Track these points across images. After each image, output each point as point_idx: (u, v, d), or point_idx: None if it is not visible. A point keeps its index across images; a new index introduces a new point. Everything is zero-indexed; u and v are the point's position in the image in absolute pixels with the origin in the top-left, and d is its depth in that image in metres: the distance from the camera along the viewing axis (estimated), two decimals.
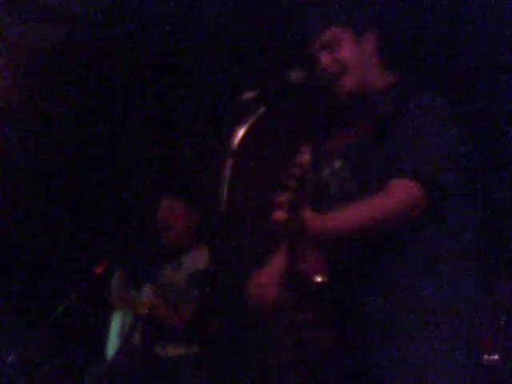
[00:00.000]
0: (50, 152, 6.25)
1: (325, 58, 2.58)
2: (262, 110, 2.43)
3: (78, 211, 6.28)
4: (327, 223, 2.35)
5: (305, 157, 2.23)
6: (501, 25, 3.41)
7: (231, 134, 2.38)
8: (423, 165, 2.34)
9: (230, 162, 2.36)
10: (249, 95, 2.46)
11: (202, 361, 4.11)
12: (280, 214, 2.27)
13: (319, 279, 2.37)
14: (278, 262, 2.55)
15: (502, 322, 3.74)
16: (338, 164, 2.55)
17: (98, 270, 4.43)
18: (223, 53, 4.98)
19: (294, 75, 2.47)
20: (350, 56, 2.57)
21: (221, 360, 4.11)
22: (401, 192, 2.33)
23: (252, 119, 2.41)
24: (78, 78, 5.77)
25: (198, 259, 4.27)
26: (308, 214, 2.28)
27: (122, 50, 5.48)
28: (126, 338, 4.42)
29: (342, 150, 2.56)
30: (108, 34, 5.35)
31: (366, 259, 2.42)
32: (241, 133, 2.38)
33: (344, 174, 2.52)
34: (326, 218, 2.36)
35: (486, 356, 3.60)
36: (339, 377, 2.44)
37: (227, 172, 2.36)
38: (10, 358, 4.61)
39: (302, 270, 2.37)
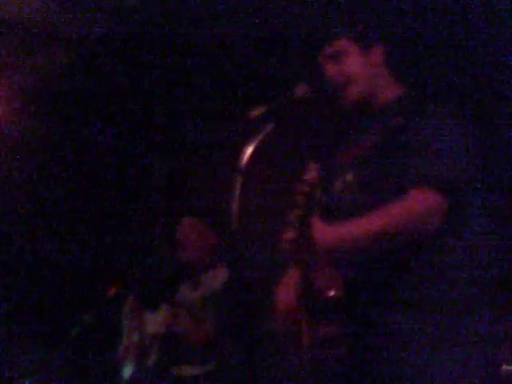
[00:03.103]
0: (65, 172, 6.27)
1: (331, 70, 2.60)
2: (270, 126, 2.44)
3: (92, 232, 6.29)
4: (341, 233, 2.34)
5: (313, 173, 2.23)
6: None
7: (240, 151, 2.38)
8: (441, 173, 2.33)
9: (239, 180, 2.36)
10: (256, 112, 2.47)
11: (217, 380, 4.09)
12: (290, 233, 2.27)
13: (333, 294, 2.36)
14: (293, 278, 2.54)
15: None
16: (349, 176, 2.55)
17: (112, 291, 4.43)
18: (231, 71, 4.99)
19: (300, 91, 2.47)
20: (356, 68, 2.58)
21: (237, 379, 4.09)
22: (420, 201, 2.32)
23: (260, 136, 2.41)
24: (85, 99, 5.79)
25: (215, 278, 4.26)
26: (319, 226, 2.28)
27: (129, 72, 5.50)
28: (141, 359, 4.40)
29: (354, 162, 2.56)
30: (114, 56, 5.37)
31: (382, 272, 2.40)
32: (249, 150, 2.38)
33: (356, 186, 2.51)
34: (339, 229, 2.35)
35: (504, 366, 3.57)
36: None
37: (237, 190, 2.36)
38: (26, 383, 4.62)
39: (315, 285, 2.36)
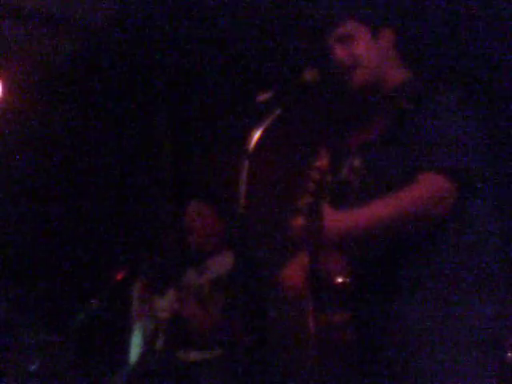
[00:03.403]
0: (72, 155, 6.28)
1: (339, 52, 2.58)
2: (278, 111, 2.42)
3: (99, 217, 6.30)
4: (351, 220, 2.33)
5: (322, 160, 2.21)
6: None
7: (247, 136, 2.37)
8: (449, 158, 2.32)
9: (246, 165, 2.35)
10: (264, 97, 2.45)
11: (225, 365, 4.09)
12: (299, 219, 2.26)
13: (341, 280, 2.35)
14: (299, 264, 2.54)
15: None
16: (357, 162, 2.53)
17: (119, 277, 4.43)
18: (238, 54, 4.97)
19: (309, 75, 2.46)
20: (365, 51, 2.56)
21: (245, 364, 4.09)
22: (428, 185, 2.30)
23: (267, 121, 2.40)
24: (87, 90, 5.79)
25: (222, 263, 4.26)
26: (329, 213, 2.27)
27: (131, 62, 5.49)
28: (148, 344, 4.41)
29: (361, 148, 2.55)
30: (116, 46, 5.36)
31: (390, 259, 2.39)
32: (257, 135, 2.37)
33: (364, 172, 2.50)
34: (349, 215, 2.34)
35: (510, 354, 3.56)
36: (361, 377, 2.42)
37: (244, 174, 2.35)
38: (32, 367, 4.63)
39: (323, 272, 2.35)
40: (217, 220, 4.37)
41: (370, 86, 2.58)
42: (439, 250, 2.36)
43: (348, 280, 2.34)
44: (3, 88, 5.46)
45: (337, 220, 2.30)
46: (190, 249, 4.42)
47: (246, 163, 2.35)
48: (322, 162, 2.21)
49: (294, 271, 2.54)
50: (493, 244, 2.41)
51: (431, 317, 2.31)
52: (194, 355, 4.18)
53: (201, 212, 4.38)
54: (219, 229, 4.37)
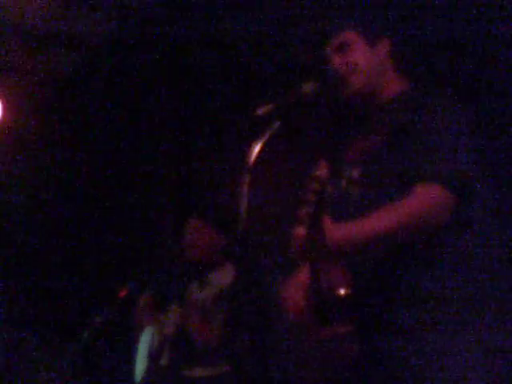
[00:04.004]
0: (72, 173, 6.29)
1: (336, 60, 2.60)
2: (277, 124, 2.43)
3: (101, 234, 6.30)
4: (351, 232, 2.33)
5: (322, 170, 2.21)
6: None
7: (247, 149, 2.37)
8: (447, 168, 2.33)
9: (247, 178, 2.35)
10: (263, 110, 2.46)
11: (230, 380, 4.08)
12: (300, 230, 2.26)
13: (343, 292, 2.35)
14: (301, 276, 2.53)
15: None
16: (356, 172, 2.54)
17: (122, 293, 4.43)
18: (237, 68, 4.98)
19: (307, 87, 2.47)
20: (361, 59, 2.58)
21: (249, 379, 4.08)
22: (427, 196, 2.31)
23: (267, 134, 2.40)
24: (88, 107, 5.80)
25: (223, 277, 4.26)
26: (329, 225, 2.27)
27: (132, 78, 5.50)
28: (153, 360, 4.41)
29: (360, 158, 2.55)
30: (117, 62, 5.37)
31: (392, 269, 2.39)
32: (257, 148, 2.37)
33: (363, 183, 2.50)
34: (349, 227, 2.34)
35: None
36: None
37: (245, 188, 2.35)
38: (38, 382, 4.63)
39: (325, 284, 2.35)
40: (216, 235, 4.38)
41: (366, 95, 2.59)
42: (439, 258, 2.36)
43: (350, 291, 2.33)
44: (3, 106, 5.48)
45: (337, 231, 2.30)
46: (192, 264, 4.42)
47: (247, 176, 2.35)
48: (322, 172, 2.21)
49: (294, 289, 2.53)
50: (493, 250, 2.41)
51: (435, 326, 2.31)
52: (198, 371, 4.17)
53: (200, 228, 4.39)
54: (219, 243, 4.37)
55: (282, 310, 2.56)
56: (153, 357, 4.42)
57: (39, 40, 5.28)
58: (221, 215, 4.46)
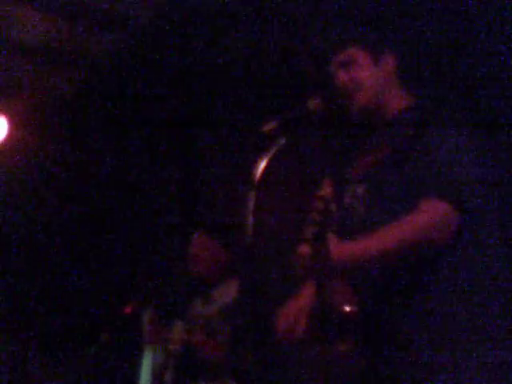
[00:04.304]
0: (78, 191, 6.29)
1: (341, 76, 2.61)
2: (283, 141, 2.44)
3: (106, 250, 6.30)
4: (356, 250, 2.34)
5: (327, 189, 2.22)
6: None
7: (253, 166, 2.38)
8: (453, 185, 2.33)
9: (252, 195, 2.35)
10: (269, 127, 2.47)
11: None
12: (305, 248, 2.26)
13: (348, 309, 2.35)
14: (306, 294, 2.53)
15: None
16: (360, 189, 2.54)
17: (128, 310, 4.43)
18: (242, 86, 4.99)
19: (312, 104, 2.48)
20: (366, 75, 2.59)
21: None
22: (432, 213, 2.31)
23: (273, 151, 2.41)
24: (94, 123, 5.81)
25: (228, 293, 4.26)
26: (334, 243, 2.27)
27: (137, 95, 5.51)
28: (157, 377, 4.40)
29: (364, 175, 2.56)
30: (121, 79, 5.38)
31: (396, 286, 2.39)
32: (262, 165, 2.38)
33: (368, 199, 2.51)
34: (354, 245, 2.35)
35: None
36: None
37: (251, 205, 2.35)
38: None
39: (330, 301, 2.35)
40: (221, 250, 4.38)
41: (371, 111, 2.60)
42: (443, 274, 2.35)
43: (355, 308, 2.33)
44: (9, 124, 5.50)
45: (342, 249, 2.30)
46: (196, 279, 4.42)
47: (253, 193, 2.36)
48: (326, 191, 2.22)
49: (293, 311, 2.53)
50: (497, 265, 2.40)
51: (439, 342, 2.31)
52: None
53: (204, 244, 4.40)
54: (224, 259, 4.37)
55: (280, 331, 2.57)
56: (157, 373, 4.41)
57: (43, 58, 5.30)
58: (226, 231, 4.47)
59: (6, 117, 5.49)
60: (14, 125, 5.52)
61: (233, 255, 4.36)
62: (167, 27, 4.89)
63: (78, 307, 6.14)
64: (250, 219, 2.34)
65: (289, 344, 2.51)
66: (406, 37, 3.42)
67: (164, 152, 6.07)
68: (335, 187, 2.25)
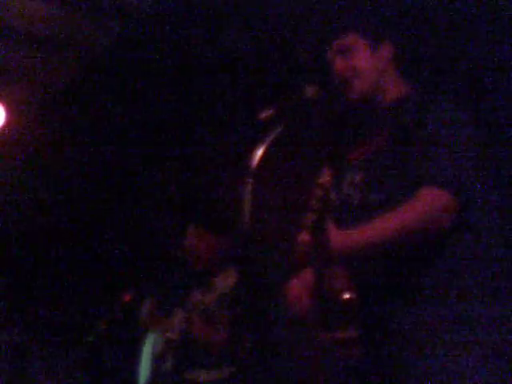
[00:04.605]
0: (78, 181, 6.29)
1: (339, 63, 2.60)
2: (280, 128, 2.43)
3: (106, 239, 6.31)
4: (355, 238, 2.34)
5: (325, 177, 2.21)
6: None
7: (250, 154, 2.37)
8: (450, 172, 2.32)
9: (250, 183, 2.35)
10: (265, 114, 2.46)
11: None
12: (304, 236, 2.26)
13: (347, 296, 2.35)
14: (306, 278, 2.53)
15: None
16: (358, 176, 2.54)
17: (127, 298, 4.43)
18: (239, 72, 4.98)
19: (310, 91, 2.47)
20: (363, 63, 2.59)
21: (253, 381, 4.08)
22: (430, 200, 2.31)
23: (270, 139, 2.40)
24: (92, 111, 5.80)
25: (226, 281, 4.27)
26: (333, 231, 2.27)
27: (134, 84, 5.50)
28: (157, 364, 4.41)
29: (362, 162, 2.56)
30: (119, 68, 5.37)
31: (395, 273, 2.38)
32: (259, 153, 2.37)
33: (365, 186, 2.50)
34: (353, 234, 2.35)
35: None
36: None
37: (248, 192, 2.35)
38: None
39: (328, 289, 2.35)
40: (217, 241, 4.38)
41: (367, 98, 2.59)
42: (442, 262, 2.35)
43: (354, 296, 2.33)
44: (6, 112, 5.49)
45: (341, 237, 2.30)
46: (195, 269, 4.43)
47: (250, 181, 2.35)
48: (325, 178, 2.21)
49: (298, 288, 2.53)
50: (496, 254, 2.40)
51: (437, 330, 2.30)
52: (202, 375, 4.17)
53: (200, 236, 4.40)
54: (221, 248, 4.37)
55: (285, 307, 2.56)
56: (157, 361, 4.42)
57: (41, 46, 5.28)
58: (222, 219, 4.47)
59: (4, 105, 5.47)
60: (11, 113, 5.50)
61: (230, 243, 4.36)
62: (167, 18, 4.88)
63: (76, 295, 6.16)
64: (248, 207, 2.34)
65: (296, 318, 2.51)
66: (405, 25, 3.41)
67: (159, 142, 6.06)
68: (334, 175, 2.25)
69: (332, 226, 2.28)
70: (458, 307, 2.31)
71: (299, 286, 2.55)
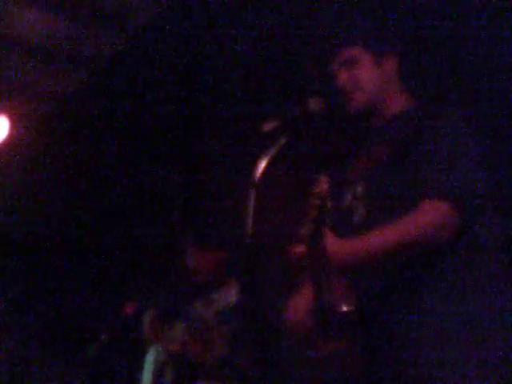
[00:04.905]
0: (82, 193, 6.30)
1: (342, 75, 2.61)
2: (283, 140, 2.43)
3: (109, 251, 6.31)
4: (354, 247, 2.34)
5: (323, 186, 2.22)
6: None
7: (253, 165, 2.37)
8: (452, 185, 2.33)
9: (253, 194, 2.35)
10: (269, 126, 2.46)
11: None
12: (300, 247, 2.26)
13: (346, 308, 2.35)
14: (306, 292, 2.53)
15: None
16: (360, 188, 2.55)
17: (129, 310, 4.43)
18: (243, 85, 4.99)
19: (314, 104, 2.47)
20: (367, 76, 2.59)
21: None
22: (432, 212, 2.31)
23: (273, 150, 2.41)
24: (95, 124, 5.81)
25: (228, 294, 4.26)
26: (332, 240, 2.27)
27: (138, 96, 5.51)
28: (157, 376, 4.40)
29: (364, 175, 2.56)
30: (124, 79, 5.38)
31: (395, 284, 2.39)
32: (263, 164, 2.37)
33: (367, 199, 2.51)
34: (352, 243, 2.35)
35: None
36: None
37: (251, 204, 2.35)
38: None
39: (328, 300, 2.35)
40: (218, 255, 4.37)
41: (369, 111, 2.60)
42: (443, 274, 2.35)
43: (353, 308, 2.33)
44: (10, 124, 5.50)
45: (340, 247, 2.30)
46: (196, 282, 4.42)
47: (253, 193, 2.36)
48: (322, 187, 2.22)
49: (297, 307, 2.53)
50: (498, 266, 2.40)
51: (438, 341, 2.30)
52: None
53: (198, 254, 4.39)
54: (222, 262, 4.37)
55: (286, 330, 2.56)
56: (158, 373, 4.41)
57: (45, 57, 5.29)
58: (223, 233, 4.46)
59: (7, 117, 5.48)
60: (15, 125, 5.52)
61: (231, 256, 4.35)
62: (168, 27, 4.89)
63: (79, 306, 6.15)
64: (251, 219, 2.34)
65: (297, 336, 2.50)
66: (410, 38, 3.42)
67: (162, 154, 6.07)
68: (332, 185, 2.25)
69: (331, 235, 2.29)
70: (460, 320, 2.31)
71: (297, 304, 2.54)
